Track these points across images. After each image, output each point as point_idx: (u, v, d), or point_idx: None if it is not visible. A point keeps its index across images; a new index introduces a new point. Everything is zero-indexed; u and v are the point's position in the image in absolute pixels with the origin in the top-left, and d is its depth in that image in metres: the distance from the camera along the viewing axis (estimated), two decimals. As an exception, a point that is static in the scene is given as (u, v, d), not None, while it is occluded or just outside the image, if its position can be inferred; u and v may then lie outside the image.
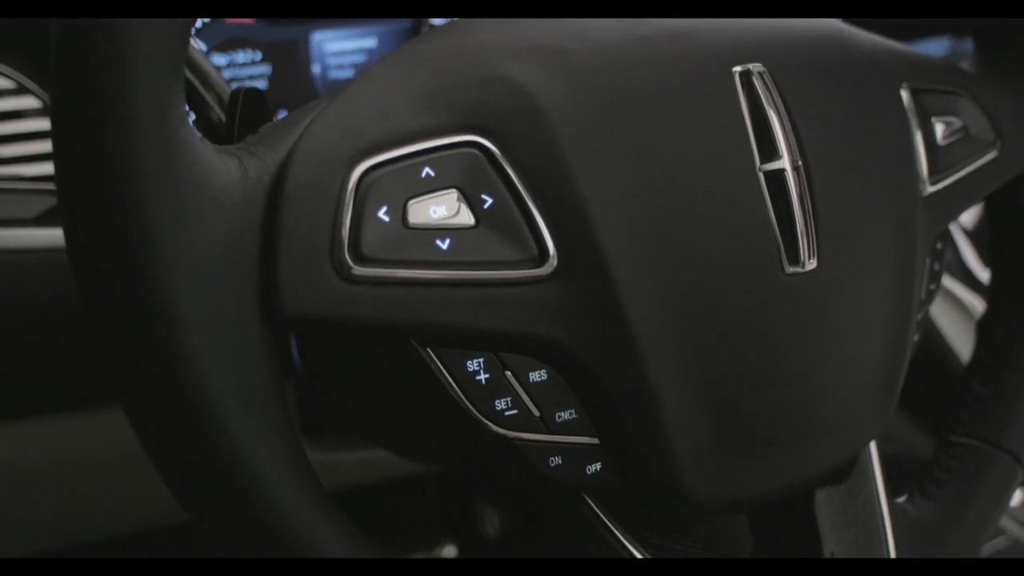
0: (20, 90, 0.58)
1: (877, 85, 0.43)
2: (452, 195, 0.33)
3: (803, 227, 0.37)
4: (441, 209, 0.32)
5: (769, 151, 0.37)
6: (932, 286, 0.48)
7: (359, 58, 0.81)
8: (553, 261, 0.33)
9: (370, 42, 0.82)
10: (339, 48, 0.81)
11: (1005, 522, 0.92)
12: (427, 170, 0.32)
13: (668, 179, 0.35)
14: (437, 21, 0.82)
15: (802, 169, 0.38)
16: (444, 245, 0.32)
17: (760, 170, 0.37)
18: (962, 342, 0.77)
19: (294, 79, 0.79)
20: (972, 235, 0.83)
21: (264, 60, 0.78)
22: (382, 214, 0.31)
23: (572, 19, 0.37)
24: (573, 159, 0.34)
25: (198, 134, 0.30)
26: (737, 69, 0.37)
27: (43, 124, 0.59)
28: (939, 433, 0.53)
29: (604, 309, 0.34)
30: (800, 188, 0.37)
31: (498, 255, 0.33)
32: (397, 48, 0.37)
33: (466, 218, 0.33)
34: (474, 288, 0.32)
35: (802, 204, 0.37)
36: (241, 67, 0.77)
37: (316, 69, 0.80)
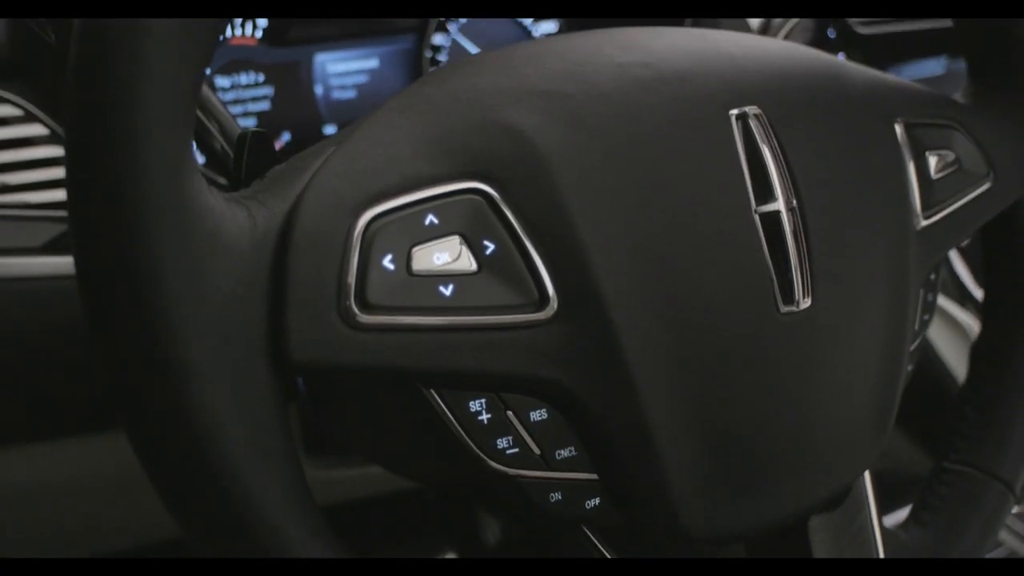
0: (28, 117, 0.59)
1: (872, 121, 0.44)
2: (455, 241, 0.33)
3: (798, 267, 0.38)
4: (444, 256, 0.33)
5: (765, 193, 0.38)
6: (926, 316, 0.49)
7: (361, 79, 0.82)
8: (554, 305, 0.34)
9: (372, 63, 0.83)
10: (342, 69, 0.82)
11: (1002, 535, 0.93)
12: (431, 217, 0.33)
13: (665, 222, 0.36)
14: (438, 39, 0.83)
15: (797, 210, 0.38)
16: (447, 292, 0.33)
17: (756, 212, 0.37)
18: (956, 360, 0.78)
19: (297, 100, 0.79)
20: (965, 252, 0.84)
21: (267, 82, 0.79)
22: (387, 262, 0.32)
23: (572, 63, 0.38)
24: (572, 204, 0.34)
25: (206, 183, 0.31)
26: (734, 112, 0.38)
27: (50, 151, 0.59)
28: (933, 457, 0.54)
29: (603, 351, 0.35)
30: (795, 229, 0.38)
31: (500, 300, 0.34)
32: (401, 91, 0.38)
33: (469, 264, 0.33)
34: (477, 332, 0.33)
35: (797, 245, 0.38)
36: (244, 89, 0.77)
37: (319, 90, 0.81)
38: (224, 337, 0.29)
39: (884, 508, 1.03)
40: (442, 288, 0.33)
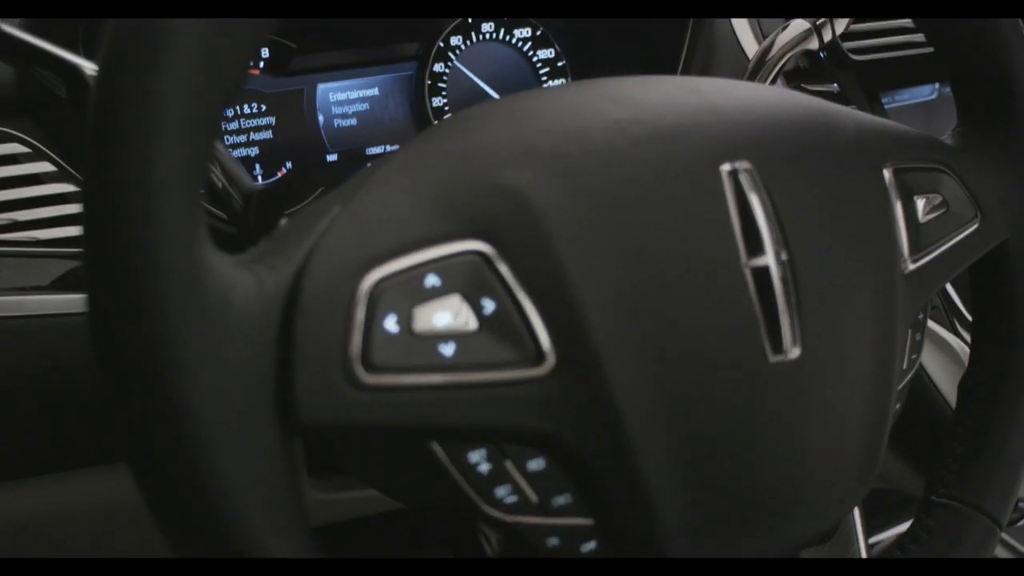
0: (36, 154, 0.60)
1: (860, 168, 0.45)
2: (455, 300, 0.35)
3: (787, 318, 0.39)
4: (445, 316, 0.34)
5: (755, 246, 0.39)
6: (914, 356, 0.50)
7: (362, 107, 0.83)
8: (551, 360, 0.35)
9: (373, 91, 0.84)
10: (343, 98, 0.83)
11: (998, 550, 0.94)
12: (432, 278, 0.34)
13: (658, 278, 0.37)
14: (438, 68, 0.84)
15: (787, 263, 0.39)
16: (448, 351, 0.34)
17: (746, 266, 0.39)
18: (948, 385, 0.79)
19: (299, 129, 0.81)
20: (957, 278, 0.84)
21: (269, 111, 0.80)
22: (390, 324, 0.33)
23: (568, 119, 0.39)
24: (568, 262, 0.36)
25: (215, 249, 0.32)
26: (725, 168, 0.39)
27: (59, 188, 0.60)
28: (926, 479, 0.55)
29: (598, 403, 0.36)
30: (784, 282, 0.39)
31: (499, 356, 0.35)
32: (403, 148, 0.39)
33: (469, 322, 0.35)
34: (477, 389, 0.34)
35: (787, 297, 0.39)
36: (246, 118, 0.79)
37: (320, 119, 0.82)
38: (235, 403, 0.30)
39: (881, 526, 1.03)
40: (443, 347, 0.34)
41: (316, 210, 0.37)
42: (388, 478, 0.44)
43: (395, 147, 0.86)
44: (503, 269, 0.35)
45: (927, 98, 0.89)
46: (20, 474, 0.58)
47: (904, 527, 0.91)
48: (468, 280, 0.35)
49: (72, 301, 0.56)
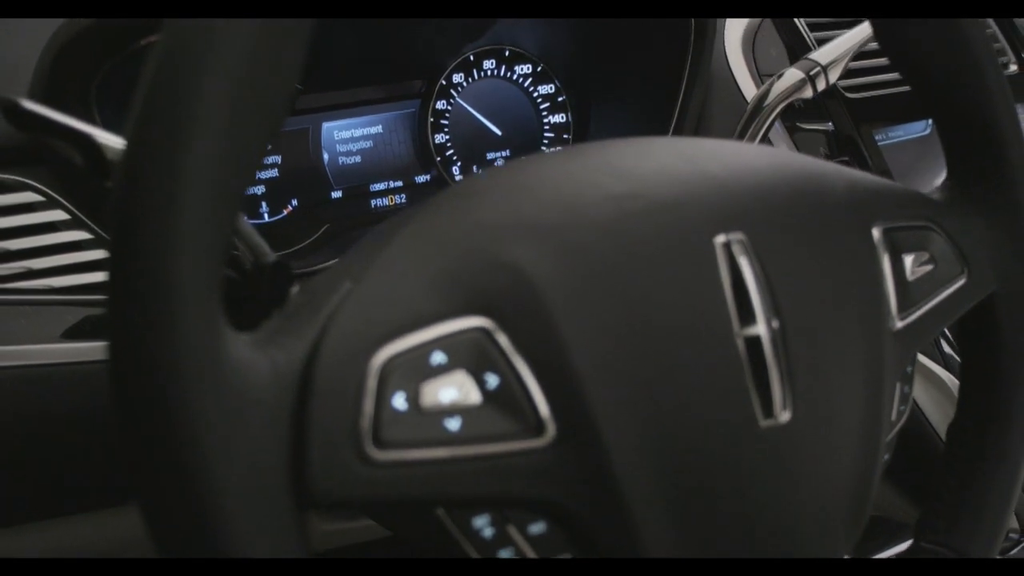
0: (50, 203, 0.62)
1: (850, 228, 0.46)
2: (460, 375, 0.36)
3: (778, 385, 0.40)
4: (451, 391, 0.36)
5: (747, 316, 0.40)
6: (902, 407, 0.52)
7: (366, 144, 0.85)
8: (551, 431, 0.37)
9: (376, 128, 0.85)
10: (347, 135, 0.84)
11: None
12: (438, 355, 0.36)
13: (654, 349, 0.39)
14: (441, 104, 0.86)
15: (778, 331, 0.41)
16: (453, 425, 0.36)
17: (738, 335, 0.40)
18: (938, 418, 0.81)
19: (304, 168, 0.82)
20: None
21: (275, 150, 0.82)
22: (398, 402, 0.35)
23: (568, 194, 0.41)
24: (567, 336, 0.37)
25: (232, 333, 0.33)
26: (719, 240, 0.41)
27: (73, 235, 0.62)
28: (919, 507, 0.56)
29: (596, 471, 0.37)
30: (776, 349, 0.40)
31: (502, 428, 0.36)
32: (409, 222, 0.40)
33: (473, 397, 0.36)
34: (481, 461, 0.36)
35: (777, 363, 0.40)
36: (253, 157, 0.80)
37: (325, 157, 0.83)
38: (252, 484, 0.32)
39: (878, 547, 1.05)
40: (449, 422, 0.36)
41: (326, 285, 0.38)
42: (393, 530, 0.45)
43: (398, 183, 0.87)
44: (503, 342, 0.37)
45: (920, 134, 0.90)
46: (26, 519, 0.59)
47: (898, 549, 0.93)
48: (472, 356, 0.36)
49: (86, 349, 0.58)
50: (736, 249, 0.41)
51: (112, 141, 0.45)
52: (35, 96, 0.60)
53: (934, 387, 0.81)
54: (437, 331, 0.36)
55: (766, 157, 0.48)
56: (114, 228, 0.31)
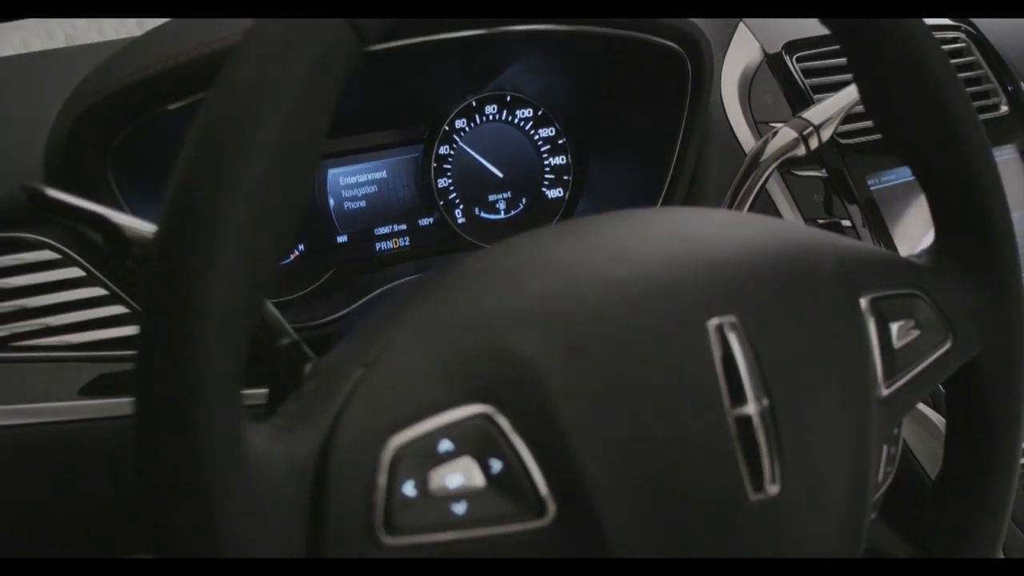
0: (66, 260, 0.64)
1: (838, 300, 0.48)
2: (466, 461, 0.38)
3: (767, 460, 0.42)
4: (457, 477, 0.38)
5: (738, 396, 0.42)
6: (888, 468, 0.54)
7: (371, 189, 0.87)
8: (552, 512, 0.39)
9: (381, 174, 0.88)
10: (352, 181, 0.86)
11: None
12: (445, 443, 0.38)
13: (648, 431, 0.41)
14: (444, 150, 0.88)
15: (767, 409, 0.43)
16: (459, 509, 0.38)
17: (729, 414, 0.42)
18: (927, 457, 0.82)
19: (310, 213, 0.84)
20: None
21: (283, 197, 0.83)
22: (408, 489, 0.37)
23: (568, 280, 0.43)
24: (566, 422, 0.39)
25: (251, 426, 0.35)
26: (712, 323, 0.43)
27: (90, 292, 0.64)
28: (909, 543, 0.58)
29: (594, 547, 0.39)
30: (765, 427, 0.43)
31: (505, 510, 0.38)
32: (416, 309, 0.42)
33: (478, 481, 0.38)
34: (485, 542, 0.38)
35: (767, 440, 0.43)
36: (262, 204, 0.82)
37: (331, 202, 0.86)
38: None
39: None
40: (455, 506, 0.38)
41: (340, 372, 0.40)
42: None
43: (402, 226, 0.89)
44: (505, 427, 0.39)
45: (912, 178, 0.92)
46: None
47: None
48: (477, 443, 0.38)
49: (103, 406, 0.60)
50: (728, 331, 0.43)
51: (132, 223, 0.48)
52: (51, 161, 0.62)
53: (919, 424, 0.83)
54: (443, 419, 0.38)
55: (757, 232, 0.50)
56: (145, 320, 0.33)
